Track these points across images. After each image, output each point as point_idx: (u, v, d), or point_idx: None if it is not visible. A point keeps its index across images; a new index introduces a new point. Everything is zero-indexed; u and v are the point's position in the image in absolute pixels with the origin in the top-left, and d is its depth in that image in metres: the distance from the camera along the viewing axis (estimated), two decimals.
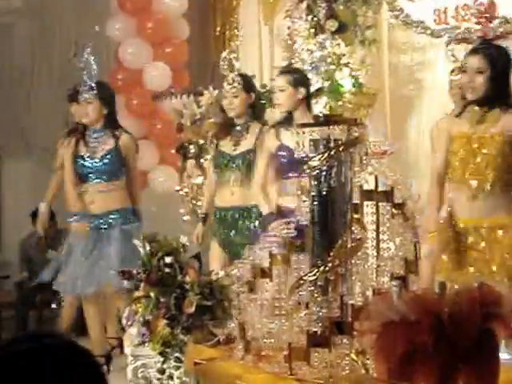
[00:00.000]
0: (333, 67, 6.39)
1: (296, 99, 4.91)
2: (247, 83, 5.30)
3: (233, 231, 5.23)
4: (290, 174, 4.74)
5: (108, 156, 5.53)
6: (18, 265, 7.86)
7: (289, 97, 4.91)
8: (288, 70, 5.34)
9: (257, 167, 5.08)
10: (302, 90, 4.94)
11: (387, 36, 6.96)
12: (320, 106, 6.15)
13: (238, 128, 5.27)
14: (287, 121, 4.93)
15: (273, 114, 6.96)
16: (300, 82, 4.97)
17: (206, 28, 7.69)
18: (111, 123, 5.57)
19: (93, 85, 5.44)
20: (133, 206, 5.60)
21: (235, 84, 5.26)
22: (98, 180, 5.55)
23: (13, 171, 8.87)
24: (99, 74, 5.61)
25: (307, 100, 5.01)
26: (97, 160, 5.57)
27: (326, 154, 3.36)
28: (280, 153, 4.92)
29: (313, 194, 3.41)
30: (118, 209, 5.54)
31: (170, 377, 3.75)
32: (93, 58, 5.41)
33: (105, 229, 5.53)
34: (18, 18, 8.57)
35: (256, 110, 5.39)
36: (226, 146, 5.31)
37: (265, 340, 3.44)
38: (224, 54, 5.33)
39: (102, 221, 5.53)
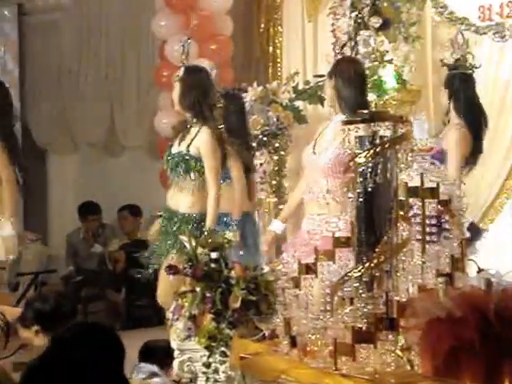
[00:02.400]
0: (376, 64, 6.39)
1: None
2: (187, 75, 5.02)
3: None
4: None
5: None
6: (65, 259, 7.98)
7: None
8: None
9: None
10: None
11: (431, 32, 6.94)
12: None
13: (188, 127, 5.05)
14: None
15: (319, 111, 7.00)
16: None
17: (250, 25, 7.72)
18: None
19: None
20: None
21: (178, 75, 5.07)
22: None
23: (59, 167, 9.00)
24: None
25: None
26: None
27: (372, 151, 3.37)
28: None
29: (358, 190, 3.42)
30: None
31: (216, 371, 3.80)
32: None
33: None
34: (64, 14, 8.68)
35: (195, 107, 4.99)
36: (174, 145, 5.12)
37: (310, 335, 3.46)
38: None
39: None
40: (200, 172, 4.99)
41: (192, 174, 4.98)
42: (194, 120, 5.01)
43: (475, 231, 5.19)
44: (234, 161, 5.46)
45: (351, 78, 4.61)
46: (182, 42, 5.27)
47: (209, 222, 4.93)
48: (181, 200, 5.04)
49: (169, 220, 5.09)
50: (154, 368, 4.25)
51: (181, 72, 5.08)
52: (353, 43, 6.33)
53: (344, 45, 6.35)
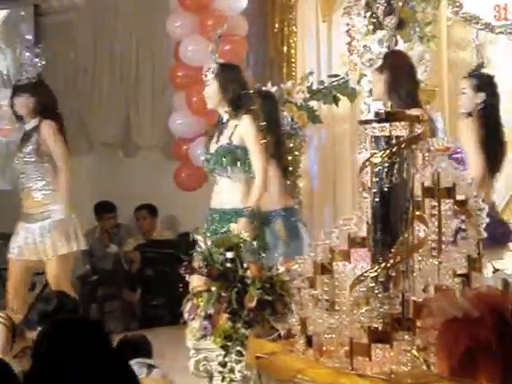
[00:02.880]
0: None
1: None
2: (221, 72, 5.04)
3: None
4: None
5: None
6: (81, 258, 8.00)
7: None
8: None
9: None
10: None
11: (446, 32, 6.93)
12: (379, 102, 6.14)
13: (223, 122, 5.07)
14: None
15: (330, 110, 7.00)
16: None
17: (265, 25, 7.72)
18: None
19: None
20: None
21: (210, 71, 5.08)
22: None
23: (74, 166, 9.01)
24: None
25: None
26: None
27: (388, 151, 3.37)
28: None
29: (374, 190, 3.42)
30: None
31: (232, 370, 3.82)
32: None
33: None
34: (79, 15, 8.71)
35: (233, 102, 5.03)
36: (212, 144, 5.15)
37: (326, 335, 3.46)
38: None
39: None
40: (246, 163, 4.97)
41: (239, 164, 4.96)
42: (233, 113, 5.02)
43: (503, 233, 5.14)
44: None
45: (404, 71, 4.62)
46: (213, 38, 5.26)
47: (252, 201, 4.90)
48: (229, 196, 5.01)
49: (220, 220, 5.06)
50: (149, 361, 4.26)
51: (214, 69, 5.07)
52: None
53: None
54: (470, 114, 5.11)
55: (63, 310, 4.35)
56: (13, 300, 5.68)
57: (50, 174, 5.69)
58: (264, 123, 5.24)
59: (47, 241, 5.62)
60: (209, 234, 4.80)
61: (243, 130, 4.96)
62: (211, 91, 5.07)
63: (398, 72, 4.63)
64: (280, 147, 5.59)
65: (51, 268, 5.63)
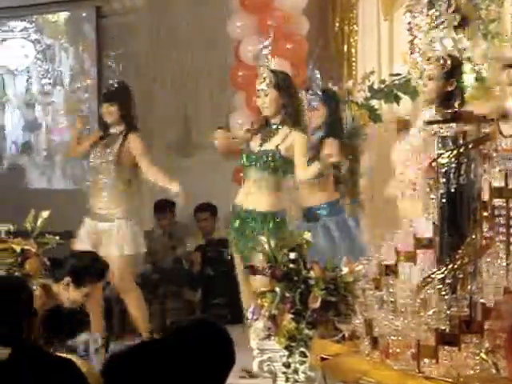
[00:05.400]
0: None
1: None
2: (280, 81, 5.12)
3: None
4: None
5: None
6: (143, 257, 8.06)
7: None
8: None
9: None
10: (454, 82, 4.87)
11: (511, 29, 6.81)
12: None
13: (272, 128, 5.13)
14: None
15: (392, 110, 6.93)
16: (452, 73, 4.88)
17: (325, 24, 7.69)
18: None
19: (318, 92, 5.54)
20: None
21: (266, 81, 5.15)
22: None
23: None
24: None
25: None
26: None
27: (455, 152, 3.34)
28: None
29: (441, 191, 3.39)
30: None
31: (295, 371, 3.80)
32: (317, 71, 5.58)
33: None
34: (139, 16, 8.78)
35: (288, 111, 5.10)
36: (254, 143, 5.18)
37: (392, 337, 3.43)
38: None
39: None
40: (285, 172, 5.08)
41: (279, 173, 5.05)
42: (288, 123, 5.08)
43: None
44: None
45: None
46: (261, 45, 5.28)
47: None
48: (260, 199, 5.05)
49: (244, 220, 5.10)
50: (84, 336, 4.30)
51: (270, 78, 5.10)
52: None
53: None
54: None
55: (92, 269, 4.55)
56: None
57: (122, 178, 5.83)
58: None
59: (113, 240, 5.72)
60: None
61: (294, 142, 5.04)
62: (269, 101, 5.10)
63: None
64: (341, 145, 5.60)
65: (115, 267, 5.72)
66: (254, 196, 5.09)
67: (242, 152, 5.20)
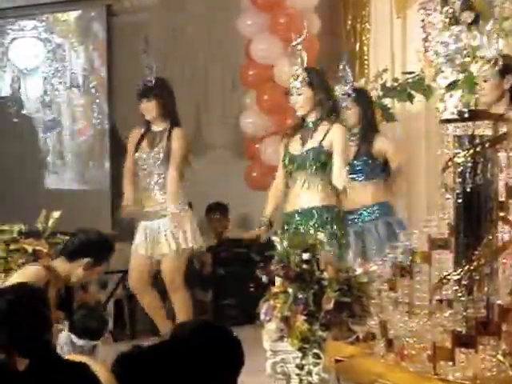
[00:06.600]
0: (468, 59, 6.23)
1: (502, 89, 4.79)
2: (313, 78, 5.03)
3: None
4: None
5: None
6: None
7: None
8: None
9: None
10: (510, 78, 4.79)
11: None
12: (455, 100, 6.02)
13: (310, 126, 5.06)
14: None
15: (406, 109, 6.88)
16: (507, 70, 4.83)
17: (337, 22, 7.64)
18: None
19: (350, 92, 5.50)
20: None
21: (299, 79, 5.05)
22: None
23: None
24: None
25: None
26: None
27: (472, 151, 3.29)
28: None
29: (457, 191, 3.34)
30: None
31: (309, 373, 3.75)
32: (349, 69, 5.51)
33: None
34: (150, 15, 8.75)
35: (325, 106, 5.03)
36: (294, 145, 5.10)
37: (407, 339, 3.39)
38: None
39: None
40: (331, 167, 4.97)
41: (327, 169, 4.96)
42: (326, 119, 5.02)
43: None
44: None
45: None
46: (294, 43, 5.17)
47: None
48: (312, 196, 4.99)
49: (302, 220, 5.05)
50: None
51: (303, 76, 5.05)
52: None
53: None
54: None
55: (100, 242, 4.55)
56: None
57: (168, 175, 5.83)
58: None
59: (163, 237, 5.75)
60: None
61: (335, 136, 4.98)
62: (304, 100, 5.04)
63: None
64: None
65: (167, 264, 5.73)
66: (305, 196, 5.00)
67: (283, 159, 5.13)
